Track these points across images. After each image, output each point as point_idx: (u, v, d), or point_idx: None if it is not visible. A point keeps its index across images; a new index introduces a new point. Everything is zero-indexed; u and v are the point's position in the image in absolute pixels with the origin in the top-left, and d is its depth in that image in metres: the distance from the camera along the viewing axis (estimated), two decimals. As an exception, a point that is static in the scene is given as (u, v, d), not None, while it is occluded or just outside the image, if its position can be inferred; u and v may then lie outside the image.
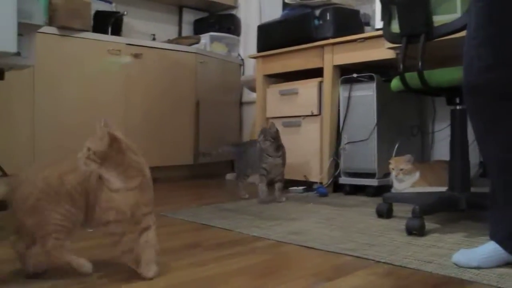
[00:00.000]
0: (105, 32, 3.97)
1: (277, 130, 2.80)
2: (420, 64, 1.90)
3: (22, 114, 3.35)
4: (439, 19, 1.90)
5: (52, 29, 3.45)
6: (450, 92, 2.09)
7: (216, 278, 1.34)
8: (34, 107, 3.40)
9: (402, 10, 1.98)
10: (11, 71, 2.26)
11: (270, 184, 2.86)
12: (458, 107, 2.10)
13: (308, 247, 1.70)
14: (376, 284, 1.28)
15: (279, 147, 2.80)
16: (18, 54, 2.00)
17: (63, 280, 1.30)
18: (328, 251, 1.64)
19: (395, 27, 2.06)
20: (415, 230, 1.86)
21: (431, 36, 1.88)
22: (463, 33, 1.83)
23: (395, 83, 2.15)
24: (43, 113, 3.44)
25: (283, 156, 2.83)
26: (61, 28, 3.49)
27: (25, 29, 2.02)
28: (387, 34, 2.12)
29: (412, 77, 2.02)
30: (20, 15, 1.88)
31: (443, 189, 2.32)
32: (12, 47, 1.77)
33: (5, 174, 2.18)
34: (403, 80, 2.02)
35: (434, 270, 1.40)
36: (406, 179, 2.73)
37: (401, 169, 2.73)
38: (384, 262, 1.49)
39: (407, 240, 1.79)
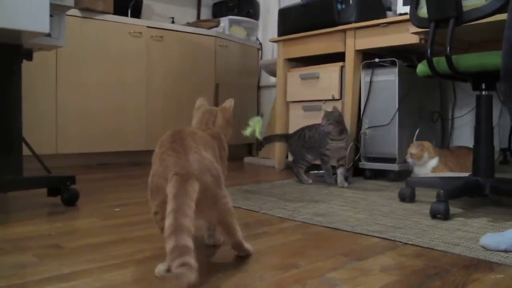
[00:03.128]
0: (125, 14, 3.99)
1: (341, 114, 2.82)
2: (448, 49, 1.90)
3: (45, 94, 3.40)
4: (467, 4, 1.89)
5: (75, 11, 3.47)
6: (477, 78, 2.10)
7: (247, 256, 1.36)
8: (57, 87, 3.45)
9: (430, -6, 1.97)
10: (37, 52, 2.28)
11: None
12: (484, 93, 2.10)
13: (335, 228, 1.73)
14: (407, 264, 1.30)
15: (342, 130, 2.80)
16: (48, 35, 2.02)
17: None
18: (355, 233, 1.66)
19: (423, 11, 2.05)
20: (440, 214, 1.87)
21: (461, 20, 1.87)
22: (491, 18, 1.86)
23: (422, 68, 2.15)
24: (66, 94, 3.49)
25: (346, 140, 2.84)
26: (84, 10, 3.52)
27: (55, 10, 2.04)
28: (414, 18, 2.12)
29: (439, 62, 2.02)
30: (51, -5, 1.90)
31: (465, 174, 2.33)
32: (44, 28, 1.79)
33: (32, 152, 2.21)
34: (430, 65, 2.02)
35: (462, 252, 1.42)
36: (417, 164, 2.77)
37: (411, 153, 2.76)
38: (411, 244, 1.51)
39: (432, 223, 1.81)
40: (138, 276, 1.18)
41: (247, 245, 1.35)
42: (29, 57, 2.21)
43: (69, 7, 2.07)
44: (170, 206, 1.05)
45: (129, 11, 4.11)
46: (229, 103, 1.58)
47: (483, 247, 1.46)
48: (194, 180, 1.11)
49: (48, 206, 2.09)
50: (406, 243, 1.52)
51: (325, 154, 2.82)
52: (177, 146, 1.17)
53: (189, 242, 1.01)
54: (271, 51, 4.83)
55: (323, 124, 2.74)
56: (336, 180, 2.82)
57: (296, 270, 1.24)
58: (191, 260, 0.98)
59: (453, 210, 1.98)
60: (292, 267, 1.26)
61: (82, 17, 3.53)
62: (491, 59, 1.90)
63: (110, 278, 1.16)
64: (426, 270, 1.25)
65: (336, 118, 2.74)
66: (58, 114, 3.46)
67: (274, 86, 4.58)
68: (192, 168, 1.13)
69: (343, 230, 1.70)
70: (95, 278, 1.16)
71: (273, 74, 4.06)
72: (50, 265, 1.25)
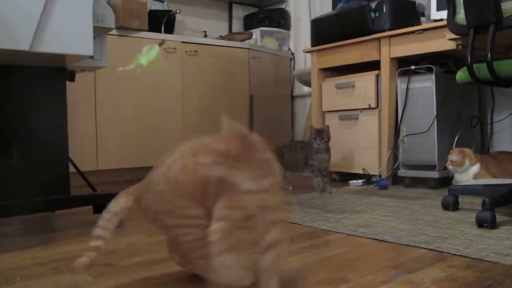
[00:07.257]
0: (158, 30, 4.06)
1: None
2: (489, 56, 1.87)
3: (86, 113, 3.48)
4: (506, 7, 1.86)
5: (112, 30, 3.55)
6: (519, 83, 2.06)
7: (298, 270, 1.37)
8: (96, 106, 3.53)
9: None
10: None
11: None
12: (527, 98, 2.07)
13: (380, 240, 1.72)
14: (458, 276, 1.29)
15: (328, 146, 2.98)
16: (91, 57, 2.08)
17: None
18: (401, 244, 1.65)
19: (460, 17, 2.03)
20: (486, 223, 1.85)
21: (501, 26, 1.85)
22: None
23: (462, 75, 2.13)
24: (105, 112, 3.56)
25: (329, 152, 2.99)
26: (120, 28, 3.59)
27: (97, 32, 2.10)
28: (452, 25, 2.09)
29: (479, 69, 2.00)
30: (94, 18, 1.96)
31: (509, 180, 2.29)
32: (89, 51, 1.84)
33: (78, 171, 2.27)
34: (471, 72, 1.99)
35: (513, 262, 1.40)
36: (458, 171, 2.74)
37: (452, 160, 2.73)
38: (460, 255, 1.49)
39: (479, 232, 1.79)
40: (191, 294, 1.20)
41: None
42: (72, 79, 2.28)
43: (110, 29, 2.12)
44: None
45: (163, 27, 4.18)
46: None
47: (535, 256, 1.43)
48: (123, 196, 1.28)
49: (94, 223, 2.13)
50: (454, 254, 1.51)
51: (314, 165, 2.96)
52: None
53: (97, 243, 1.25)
54: (304, 61, 4.84)
55: (317, 142, 2.92)
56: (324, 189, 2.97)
57: (346, 285, 1.24)
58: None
59: (499, 217, 1.95)
60: (342, 281, 1.27)
61: (118, 35, 3.60)
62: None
63: (164, 296, 1.18)
64: (478, 282, 1.24)
65: (328, 137, 2.97)
66: (98, 131, 3.53)
67: (307, 95, 4.59)
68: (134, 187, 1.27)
69: (389, 242, 1.69)
70: (150, 296, 1.18)
71: (307, 83, 4.07)
72: (105, 284, 1.29)
